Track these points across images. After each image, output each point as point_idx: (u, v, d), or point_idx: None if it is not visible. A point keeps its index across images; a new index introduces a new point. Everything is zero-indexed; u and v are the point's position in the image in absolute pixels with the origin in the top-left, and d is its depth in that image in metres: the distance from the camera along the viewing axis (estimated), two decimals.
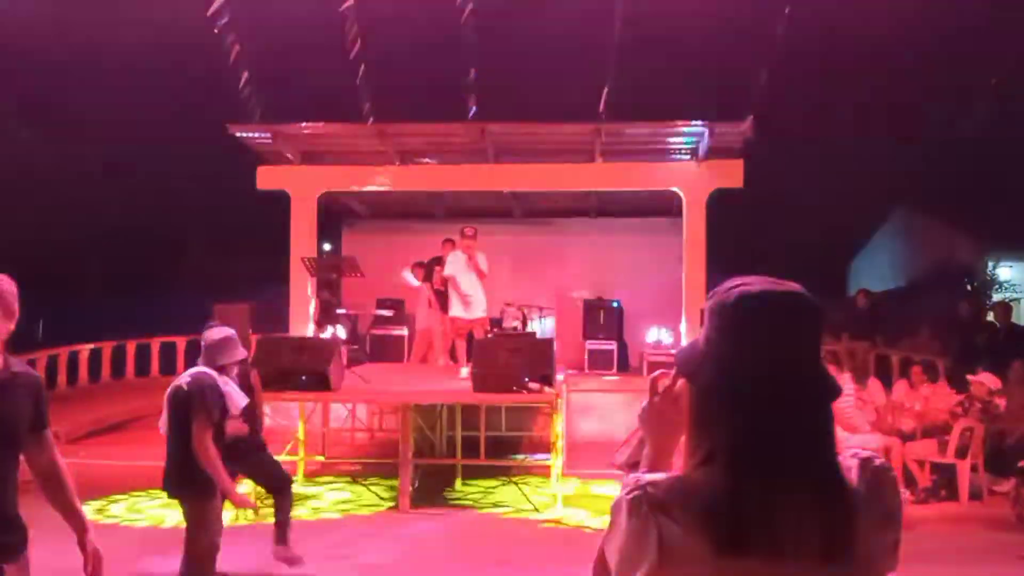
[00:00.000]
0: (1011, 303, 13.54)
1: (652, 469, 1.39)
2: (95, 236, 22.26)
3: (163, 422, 5.20)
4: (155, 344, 15.41)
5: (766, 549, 1.20)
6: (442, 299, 12.12)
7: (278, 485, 6.15)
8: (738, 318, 1.30)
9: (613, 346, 13.55)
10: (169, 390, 5.19)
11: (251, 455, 6.08)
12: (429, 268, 12.71)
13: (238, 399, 5.21)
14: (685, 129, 12.55)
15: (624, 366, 13.79)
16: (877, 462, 1.33)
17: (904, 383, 10.33)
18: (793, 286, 1.34)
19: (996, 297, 15.83)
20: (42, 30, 18.04)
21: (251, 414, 6.07)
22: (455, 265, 10.82)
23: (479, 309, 10.78)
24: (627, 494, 1.28)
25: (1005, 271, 17.26)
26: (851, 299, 15.06)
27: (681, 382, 1.40)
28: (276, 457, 6.62)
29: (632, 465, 1.46)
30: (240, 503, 5.13)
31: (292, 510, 6.18)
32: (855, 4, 18.20)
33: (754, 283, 1.33)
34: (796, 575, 1.22)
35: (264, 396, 8.23)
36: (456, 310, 10.86)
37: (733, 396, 1.27)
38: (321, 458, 10.00)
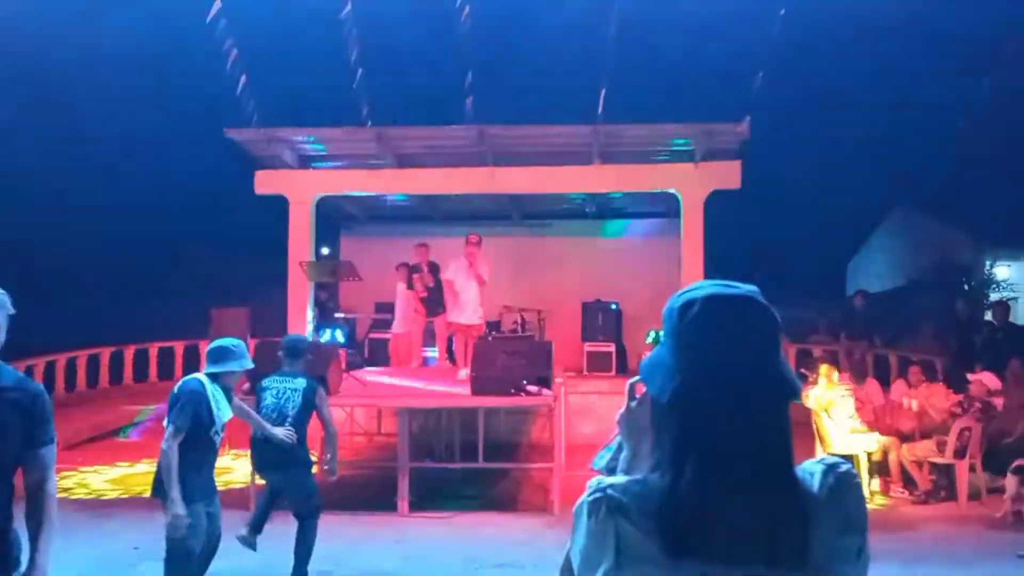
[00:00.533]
0: (1009, 302, 13.54)
1: (629, 473, 1.41)
2: (92, 241, 22.24)
3: None
4: (153, 349, 15.40)
5: (715, 553, 1.21)
6: (427, 305, 12.14)
7: (305, 512, 6.02)
8: (684, 323, 1.31)
9: (612, 348, 13.54)
10: None
11: (291, 469, 6.04)
12: (409, 276, 12.54)
13: (222, 411, 5.07)
14: (682, 130, 12.56)
15: (623, 368, 13.78)
16: (842, 468, 1.32)
17: (902, 383, 10.33)
18: (745, 289, 1.34)
19: (994, 296, 15.82)
20: (40, 30, 18.06)
21: (300, 428, 6.06)
22: (456, 270, 10.94)
23: (475, 315, 10.92)
24: (588, 496, 1.30)
25: (1003, 270, 17.26)
26: (849, 299, 15.07)
27: None
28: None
29: (611, 469, 1.48)
30: (175, 519, 4.83)
31: (314, 541, 6.01)
32: (851, 3, 18.24)
33: (703, 287, 1.34)
34: None
35: None
36: (453, 315, 11.03)
37: (680, 400, 1.27)
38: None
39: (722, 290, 1.33)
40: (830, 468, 1.31)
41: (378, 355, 13.60)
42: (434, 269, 12.11)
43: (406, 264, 12.75)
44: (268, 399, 6.08)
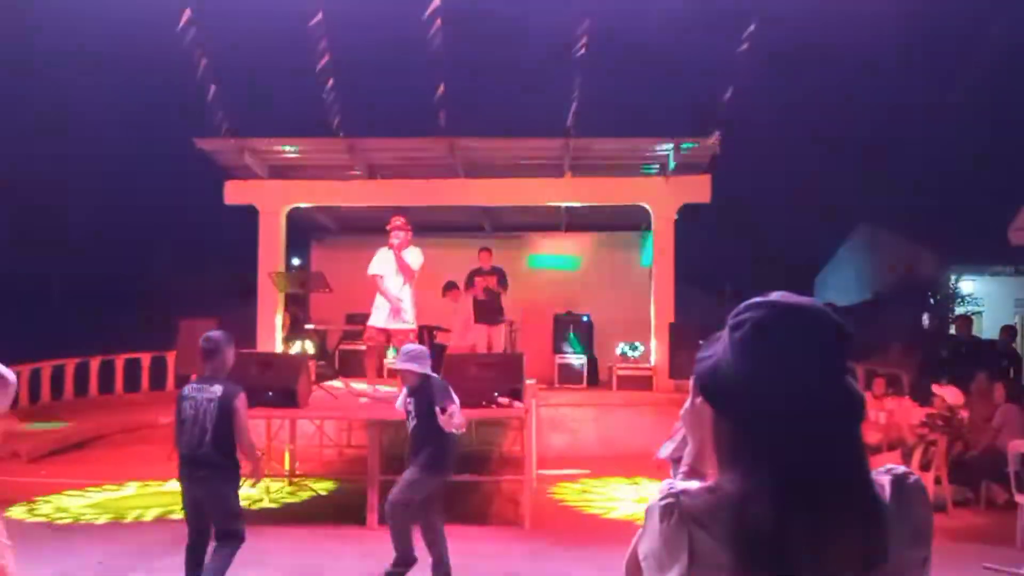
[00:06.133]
0: (972, 316, 13.75)
1: (694, 467, 1.43)
2: (58, 251, 21.96)
3: None
4: (119, 361, 15.17)
5: (790, 565, 1.21)
6: (480, 310, 12.21)
7: (225, 532, 5.49)
8: (753, 338, 1.29)
9: (583, 360, 13.57)
10: None
11: (214, 483, 5.51)
12: (471, 276, 12.58)
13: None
14: (653, 144, 12.67)
15: (594, 380, 13.81)
16: (911, 479, 1.33)
17: (869, 396, 10.44)
18: (814, 303, 1.33)
19: (958, 310, 16.06)
20: (4, 38, 17.83)
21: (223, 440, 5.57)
22: (383, 264, 9.27)
23: (403, 318, 9.24)
24: (660, 500, 1.30)
25: (967, 285, 17.53)
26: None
27: None
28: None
29: (676, 460, 1.49)
30: None
31: (225, 569, 5.44)
32: (821, 24, 18.52)
33: (771, 301, 1.33)
34: None
35: None
36: (377, 318, 9.30)
37: (749, 416, 1.27)
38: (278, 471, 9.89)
39: (791, 305, 1.32)
40: (899, 479, 1.32)
41: (349, 367, 13.50)
42: (500, 275, 12.34)
43: (454, 284, 12.79)
44: (187, 410, 5.57)
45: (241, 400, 5.56)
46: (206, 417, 5.48)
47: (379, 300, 9.29)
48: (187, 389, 5.68)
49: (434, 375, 6.28)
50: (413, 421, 6.20)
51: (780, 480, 1.23)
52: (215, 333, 5.74)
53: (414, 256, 9.22)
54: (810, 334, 1.29)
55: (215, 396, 5.49)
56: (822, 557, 1.21)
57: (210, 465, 5.46)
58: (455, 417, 5.97)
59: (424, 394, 6.10)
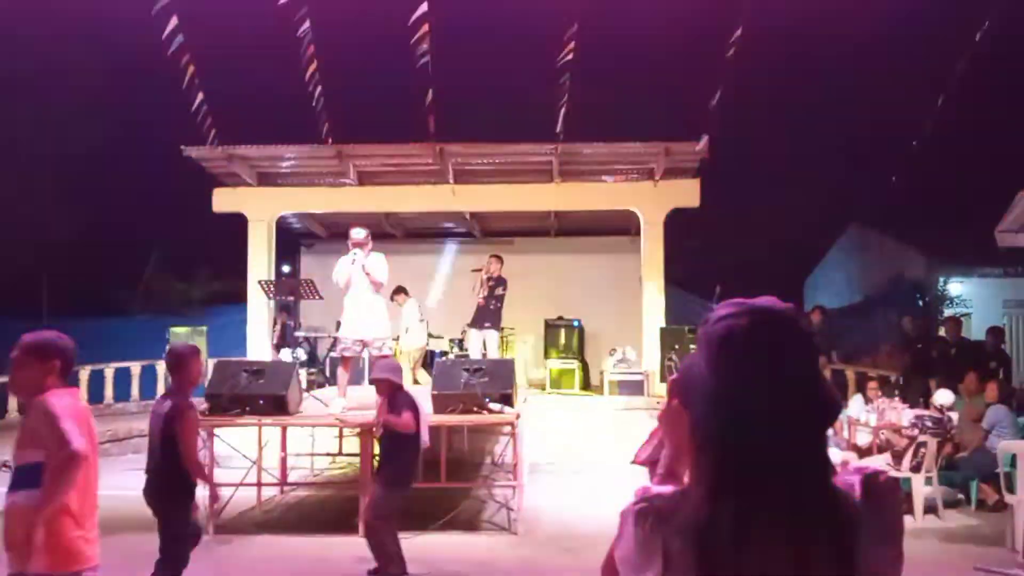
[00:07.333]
0: (961, 318, 13.81)
1: (670, 469, 1.44)
2: (46, 259, 21.83)
3: None
4: (109, 370, 15.07)
5: (758, 571, 1.21)
6: (478, 314, 12.14)
7: (161, 555, 5.21)
8: (723, 349, 1.30)
9: (574, 365, 13.56)
10: None
11: (162, 501, 5.32)
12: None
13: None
14: (642, 149, 12.69)
15: (586, 385, 13.80)
16: (881, 479, 1.33)
17: (859, 398, 10.47)
18: (782, 311, 1.33)
19: (947, 312, 16.13)
20: None
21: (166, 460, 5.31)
22: (345, 270, 8.81)
23: (380, 324, 8.85)
24: (634, 505, 1.31)
25: (956, 287, 17.61)
26: (806, 316, 15.27)
27: None
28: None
29: (652, 463, 1.49)
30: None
31: None
32: (808, 27, 18.60)
33: (742, 304, 1.33)
34: None
35: (220, 420, 8.12)
36: (350, 328, 8.81)
37: (721, 425, 1.27)
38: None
39: (760, 309, 1.32)
40: (869, 479, 1.32)
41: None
42: (498, 282, 12.23)
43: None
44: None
45: (185, 418, 5.22)
46: (155, 434, 5.33)
47: (349, 311, 8.81)
48: (153, 404, 5.64)
49: (407, 390, 6.68)
50: (380, 430, 6.54)
51: (744, 489, 1.24)
52: (178, 345, 5.56)
53: (379, 266, 8.75)
54: (776, 339, 1.30)
55: (162, 414, 5.28)
56: (786, 561, 1.21)
57: (158, 482, 5.30)
58: (399, 420, 6.25)
59: (392, 404, 6.40)
